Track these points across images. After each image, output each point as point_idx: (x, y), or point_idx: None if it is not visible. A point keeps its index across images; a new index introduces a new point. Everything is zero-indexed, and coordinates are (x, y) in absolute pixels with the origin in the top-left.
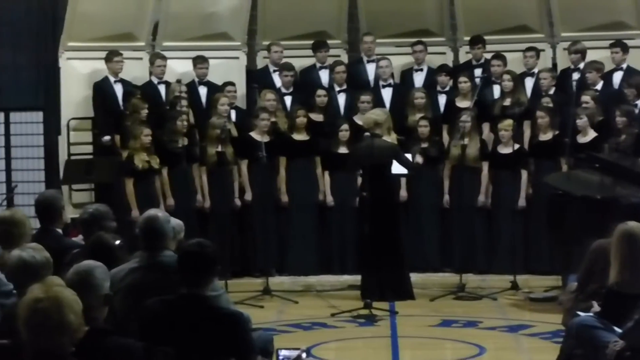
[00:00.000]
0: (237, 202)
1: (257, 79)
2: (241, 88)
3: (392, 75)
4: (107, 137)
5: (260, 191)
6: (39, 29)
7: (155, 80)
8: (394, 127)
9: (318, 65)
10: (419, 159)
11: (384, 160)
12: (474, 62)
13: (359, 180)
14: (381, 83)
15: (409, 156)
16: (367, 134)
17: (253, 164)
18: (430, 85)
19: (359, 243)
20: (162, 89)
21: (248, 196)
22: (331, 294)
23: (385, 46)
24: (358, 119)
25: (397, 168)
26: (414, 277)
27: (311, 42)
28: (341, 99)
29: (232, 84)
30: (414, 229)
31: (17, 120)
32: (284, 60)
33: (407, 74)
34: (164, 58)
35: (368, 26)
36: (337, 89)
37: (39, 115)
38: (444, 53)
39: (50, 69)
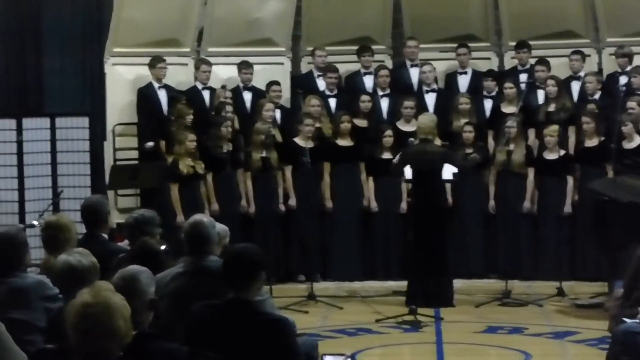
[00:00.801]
0: (282, 207)
1: (301, 84)
2: (285, 93)
3: (435, 80)
4: (150, 143)
5: (305, 197)
6: (84, 34)
7: (199, 86)
8: (438, 132)
9: (362, 70)
10: (476, 158)
11: (435, 166)
12: (520, 67)
13: (403, 185)
14: (424, 88)
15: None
16: (411, 139)
17: (297, 169)
18: (475, 90)
19: (404, 249)
20: (206, 94)
21: (292, 202)
22: (376, 299)
23: (430, 51)
24: (401, 125)
25: (447, 174)
26: (459, 283)
27: (355, 47)
28: (384, 103)
29: (277, 83)
30: (459, 234)
31: (62, 126)
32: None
33: (451, 77)
34: (209, 64)
35: (412, 31)
36: (380, 93)
37: (84, 121)
38: (489, 58)
39: (95, 74)
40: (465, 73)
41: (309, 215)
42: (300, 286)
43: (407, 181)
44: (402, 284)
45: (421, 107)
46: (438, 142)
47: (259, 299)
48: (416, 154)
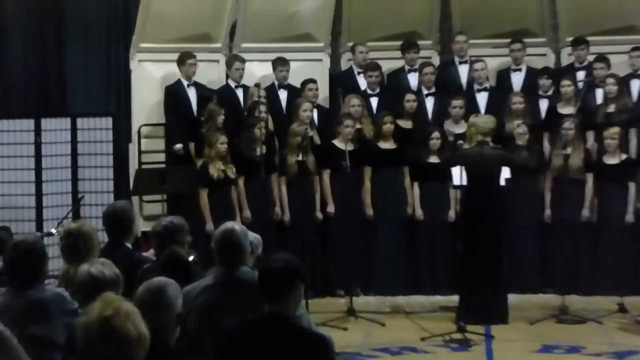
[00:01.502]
0: (319, 215)
1: (341, 81)
2: (324, 92)
3: (487, 79)
4: (179, 146)
5: (344, 203)
6: (109, 29)
7: (232, 84)
8: None
9: (407, 67)
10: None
11: (493, 171)
12: (577, 65)
13: (451, 192)
14: (476, 87)
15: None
16: (460, 141)
17: (336, 174)
18: (530, 88)
19: (454, 261)
20: (239, 93)
21: (330, 209)
22: (421, 315)
23: (481, 47)
24: (449, 126)
25: (503, 179)
26: (512, 298)
27: (400, 43)
28: (429, 103)
29: (313, 81)
30: (512, 245)
31: (85, 127)
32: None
33: (504, 75)
34: (243, 60)
35: (462, 25)
36: (425, 92)
37: (108, 121)
38: (544, 55)
39: (121, 71)
40: (519, 70)
41: (348, 224)
42: (339, 301)
43: (456, 187)
44: (450, 299)
45: (471, 107)
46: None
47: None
48: (473, 156)
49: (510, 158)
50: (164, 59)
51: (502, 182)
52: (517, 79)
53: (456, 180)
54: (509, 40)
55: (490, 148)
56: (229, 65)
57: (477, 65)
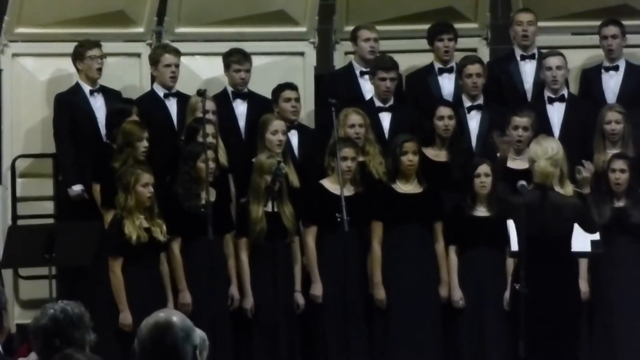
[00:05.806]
0: (300, 299)
1: (334, 87)
2: (308, 104)
3: (566, 83)
4: (77, 188)
5: (339, 280)
6: None
7: (160, 92)
8: (569, 171)
9: (438, 66)
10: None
11: (561, 230)
12: None
13: (508, 263)
14: (547, 95)
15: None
16: (522, 183)
17: (327, 234)
18: (636, 98)
19: None
20: (172, 105)
21: (317, 289)
22: None
23: (553, 33)
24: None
25: (580, 243)
26: None
27: (426, 26)
28: (474, 121)
29: (291, 86)
30: (607, 349)
31: None
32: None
33: (591, 76)
34: (177, 53)
35: (525, 2)
36: (469, 103)
37: None
38: None
39: None
40: (616, 69)
41: (346, 313)
42: None
43: (515, 255)
44: None
45: (541, 126)
46: (569, 188)
47: None
48: (528, 208)
49: (590, 214)
50: (52, 51)
51: (587, 247)
52: (613, 83)
53: (515, 245)
54: (599, 21)
55: (556, 195)
56: (155, 60)
57: (551, 61)
